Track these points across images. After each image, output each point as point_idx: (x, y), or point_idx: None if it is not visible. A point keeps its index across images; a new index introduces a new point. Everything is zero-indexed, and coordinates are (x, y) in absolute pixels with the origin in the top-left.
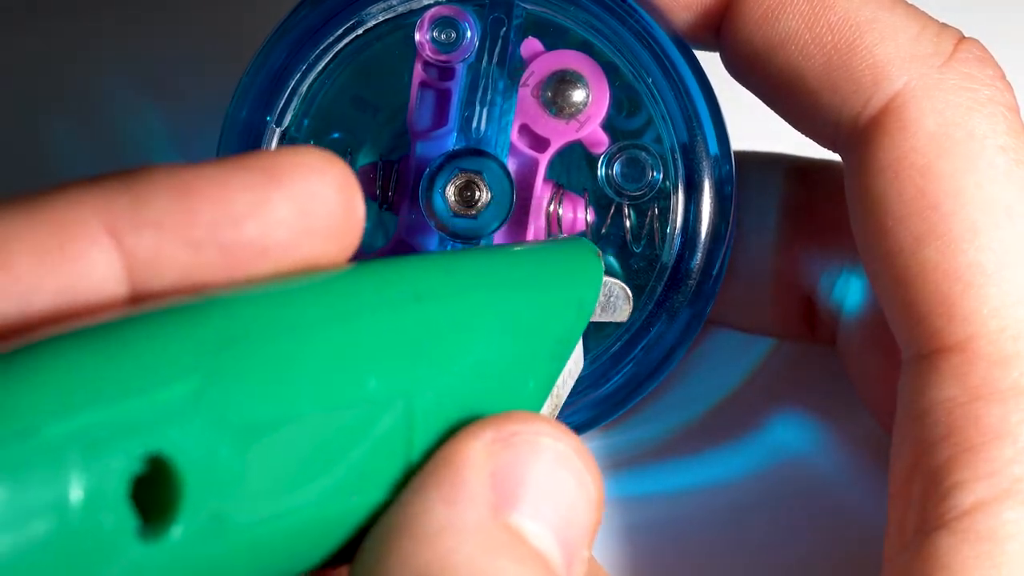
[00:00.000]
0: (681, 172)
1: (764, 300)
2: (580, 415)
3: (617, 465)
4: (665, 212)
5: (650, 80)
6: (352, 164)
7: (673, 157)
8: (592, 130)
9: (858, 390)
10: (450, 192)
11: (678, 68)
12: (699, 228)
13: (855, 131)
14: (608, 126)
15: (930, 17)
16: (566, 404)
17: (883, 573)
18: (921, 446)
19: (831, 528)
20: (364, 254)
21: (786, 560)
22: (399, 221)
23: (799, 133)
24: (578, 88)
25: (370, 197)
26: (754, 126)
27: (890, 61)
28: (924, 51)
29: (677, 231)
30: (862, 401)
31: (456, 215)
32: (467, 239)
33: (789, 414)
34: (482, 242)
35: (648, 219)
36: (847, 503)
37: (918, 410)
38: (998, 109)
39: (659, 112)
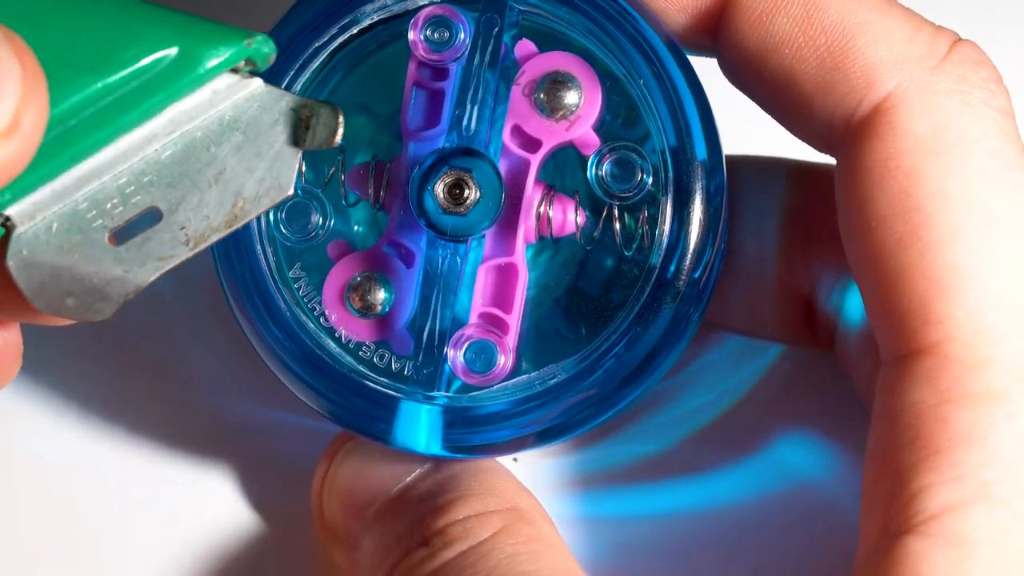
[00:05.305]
0: (671, 177)
1: (766, 303)
2: (562, 416)
3: (615, 480)
4: (655, 216)
5: (641, 82)
6: (343, 164)
7: (664, 162)
8: (584, 132)
9: (858, 394)
10: (439, 190)
11: (670, 73)
12: (687, 232)
13: (847, 132)
14: (607, 134)
15: (925, 19)
16: (548, 402)
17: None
18: (890, 449)
19: (837, 542)
20: (355, 251)
21: None
22: (390, 219)
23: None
24: (570, 89)
25: (362, 196)
26: (756, 130)
27: (882, 63)
28: (917, 53)
29: (665, 235)
30: (863, 405)
31: (445, 212)
32: (456, 237)
33: (797, 423)
34: (473, 241)
35: (639, 223)
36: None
37: (889, 413)
38: (990, 112)
39: (652, 118)
